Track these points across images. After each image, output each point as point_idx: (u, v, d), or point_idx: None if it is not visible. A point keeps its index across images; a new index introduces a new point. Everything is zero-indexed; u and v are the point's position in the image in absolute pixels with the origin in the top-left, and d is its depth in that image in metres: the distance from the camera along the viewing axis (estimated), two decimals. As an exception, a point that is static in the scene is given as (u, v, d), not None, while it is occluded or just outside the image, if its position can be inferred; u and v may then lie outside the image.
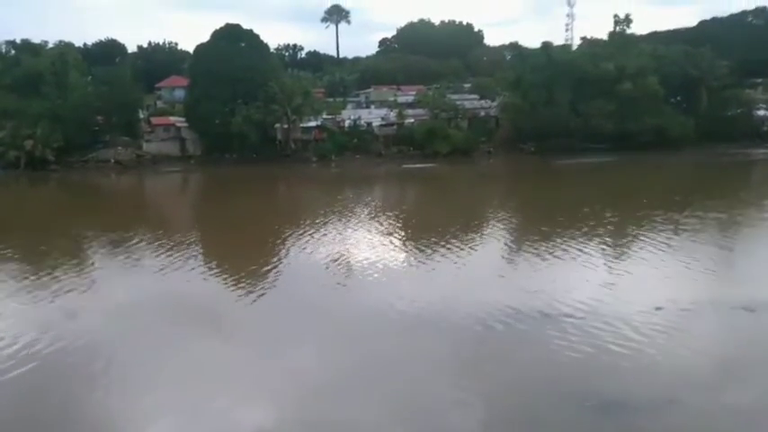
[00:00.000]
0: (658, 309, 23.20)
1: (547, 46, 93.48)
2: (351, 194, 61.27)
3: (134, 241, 37.87)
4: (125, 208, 57.58)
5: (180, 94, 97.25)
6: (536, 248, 33.55)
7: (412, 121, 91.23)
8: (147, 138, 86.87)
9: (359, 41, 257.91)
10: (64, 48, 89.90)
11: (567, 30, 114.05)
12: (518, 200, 55.19)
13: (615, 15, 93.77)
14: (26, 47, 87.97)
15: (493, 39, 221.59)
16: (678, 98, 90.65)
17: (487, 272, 30.21)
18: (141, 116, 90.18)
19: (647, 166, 73.14)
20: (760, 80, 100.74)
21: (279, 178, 76.93)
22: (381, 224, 42.57)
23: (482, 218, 44.73)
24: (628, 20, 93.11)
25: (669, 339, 20.85)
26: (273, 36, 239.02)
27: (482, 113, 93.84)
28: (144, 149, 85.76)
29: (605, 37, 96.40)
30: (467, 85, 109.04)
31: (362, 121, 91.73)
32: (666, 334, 21.21)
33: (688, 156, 79.32)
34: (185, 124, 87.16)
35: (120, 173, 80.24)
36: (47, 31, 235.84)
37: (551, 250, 32.92)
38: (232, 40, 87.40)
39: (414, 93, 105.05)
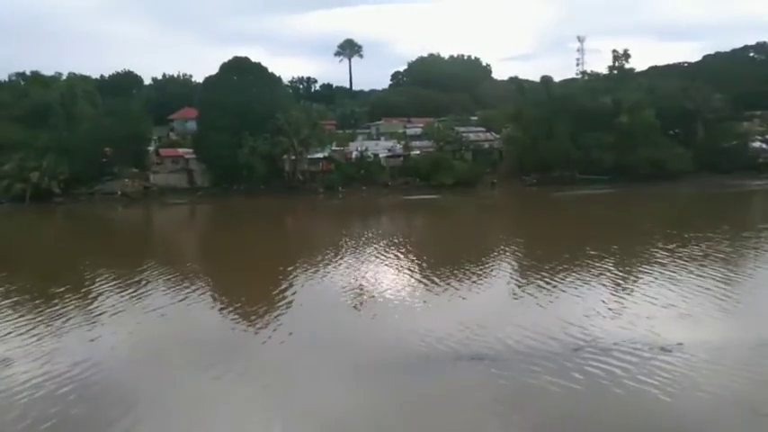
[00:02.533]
0: (575, 350, 21.29)
1: (546, 80, 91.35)
2: (357, 226, 58.05)
3: (143, 277, 34.78)
4: (131, 242, 53.54)
5: (192, 125, 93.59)
6: (534, 281, 31.43)
7: (418, 152, 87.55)
8: (154, 169, 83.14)
9: (375, 74, 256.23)
10: (73, 79, 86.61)
11: (578, 64, 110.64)
12: (517, 231, 52.05)
13: (614, 51, 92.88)
14: (35, 79, 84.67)
15: (509, 72, 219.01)
16: (676, 131, 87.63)
17: (493, 303, 28.29)
18: (151, 148, 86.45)
19: (642, 197, 70.71)
20: (759, 112, 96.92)
21: (286, 210, 73.27)
22: (389, 256, 39.66)
23: (481, 250, 41.50)
24: (626, 55, 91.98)
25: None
26: (293, 69, 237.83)
27: (486, 146, 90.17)
28: (151, 181, 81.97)
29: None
30: (474, 118, 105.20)
31: (369, 153, 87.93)
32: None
33: (684, 187, 76.52)
34: (194, 156, 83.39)
35: (126, 205, 76.30)
36: (65, 63, 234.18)
37: (547, 282, 30.86)
38: (240, 72, 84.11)
39: (422, 125, 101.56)
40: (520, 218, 63.37)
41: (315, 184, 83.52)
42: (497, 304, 28.14)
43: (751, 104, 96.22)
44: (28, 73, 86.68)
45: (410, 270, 35.23)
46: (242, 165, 78.47)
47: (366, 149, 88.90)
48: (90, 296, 30.94)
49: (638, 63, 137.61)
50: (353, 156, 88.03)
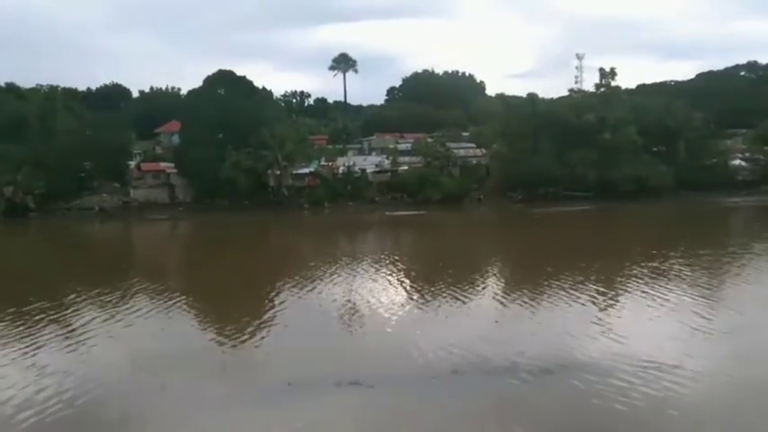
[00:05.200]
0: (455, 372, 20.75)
1: (532, 97, 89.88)
2: (335, 244, 56.32)
3: (123, 299, 32.81)
4: (102, 260, 50.34)
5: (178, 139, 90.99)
6: (479, 299, 31.43)
7: (406, 168, 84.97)
8: (135, 184, 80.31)
9: (378, 89, 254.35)
10: (52, 92, 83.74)
11: (576, 82, 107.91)
12: (486, 250, 51.29)
13: (600, 68, 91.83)
14: (10, 90, 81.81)
15: (514, 89, 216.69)
16: (661, 148, 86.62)
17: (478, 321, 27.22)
18: (133, 162, 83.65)
19: (621, 215, 69.98)
20: (744, 131, 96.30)
21: (268, 226, 70.65)
22: (362, 275, 38.69)
23: (445, 269, 39.50)
24: (612, 72, 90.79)
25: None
26: (298, 84, 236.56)
27: (474, 162, 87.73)
28: (131, 196, 79.11)
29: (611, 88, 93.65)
30: (465, 134, 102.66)
31: (357, 168, 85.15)
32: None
33: (665, 204, 75.23)
34: (175, 170, 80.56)
35: (103, 221, 73.40)
36: (54, 75, 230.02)
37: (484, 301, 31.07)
38: (225, 85, 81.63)
39: (414, 140, 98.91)
40: (494, 236, 62.02)
41: (300, 199, 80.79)
42: (419, 325, 26.90)
43: (737, 123, 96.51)
44: (3, 84, 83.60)
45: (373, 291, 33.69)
46: (224, 179, 75.78)
47: (354, 165, 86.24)
48: (71, 316, 29.27)
49: (639, 81, 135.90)
50: (341, 171, 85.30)
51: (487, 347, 22.45)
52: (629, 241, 51.01)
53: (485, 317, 27.74)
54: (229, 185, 76.36)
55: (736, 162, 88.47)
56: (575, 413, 17.54)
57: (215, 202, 78.17)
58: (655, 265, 37.48)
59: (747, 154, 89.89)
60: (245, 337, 26.00)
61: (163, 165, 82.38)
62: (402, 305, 30.35)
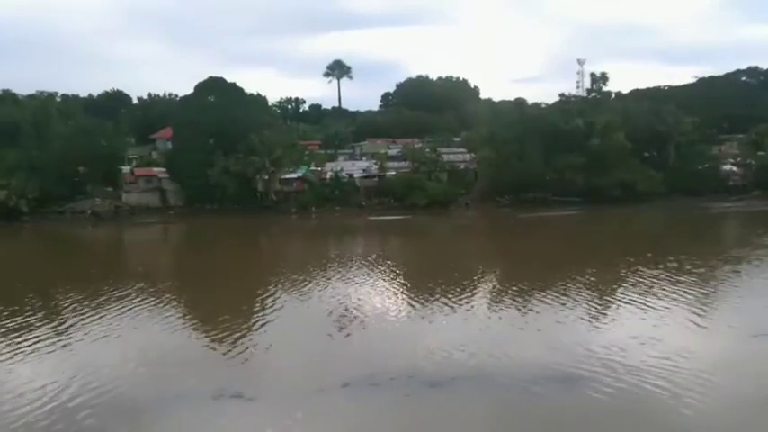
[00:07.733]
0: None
1: (519, 102, 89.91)
2: (313, 248, 57.49)
3: (93, 302, 33.18)
4: (90, 263, 51.22)
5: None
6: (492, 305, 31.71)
7: (393, 173, 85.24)
8: (127, 189, 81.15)
9: (376, 95, 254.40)
10: (48, 98, 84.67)
11: (577, 87, 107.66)
12: (478, 254, 51.68)
13: (592, 74, 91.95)
14: (5, 97, 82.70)
15: (518, 95, 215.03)
16: (653, 153, 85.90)
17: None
18: (127, 167, 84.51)
19: (606, 220, 69.30)
20: (741, 136, 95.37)
21: (254, 230, 71.03)
22: (351, 278, 39.42)
23: (443, 273, 39.77)
24: (604, 77, 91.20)
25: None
26: (299, 89, 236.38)
27: (462, 167, 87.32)
28: (123, 200, 79.95)
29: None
30: (457, 139, 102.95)
31: (344, 173, 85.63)
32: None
33: (654, 209, 74.71)
34: (167, 175, 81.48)
35: (95, 224, 74.14)
36: (58, 82, 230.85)
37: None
38: (215, 92, 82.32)
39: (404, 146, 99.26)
40: (465, 241, 61.96)
41: (288, 204, 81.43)
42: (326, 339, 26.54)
43: (735, 128, 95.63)
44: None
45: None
46: (214, 184, 76.68)
47: (341, 170, 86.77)
48: (69, 319, 29.86)
49: (643, 86, 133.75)
50: (328, 176, 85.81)
51: (390, 359, 22.09)
52: (600, 248, 50.84)
53: (398, 328, 27.62)
54: (219, 190, 77.27)
55: (728, 167, 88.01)
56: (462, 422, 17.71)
57: (205, 206, 79.01)
58: (621, 272, 37.97)
59: (739, 159, 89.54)
60: (182, 343, 26.32)
61: (155, 170, 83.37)
62: (337, 315, 29.92)
